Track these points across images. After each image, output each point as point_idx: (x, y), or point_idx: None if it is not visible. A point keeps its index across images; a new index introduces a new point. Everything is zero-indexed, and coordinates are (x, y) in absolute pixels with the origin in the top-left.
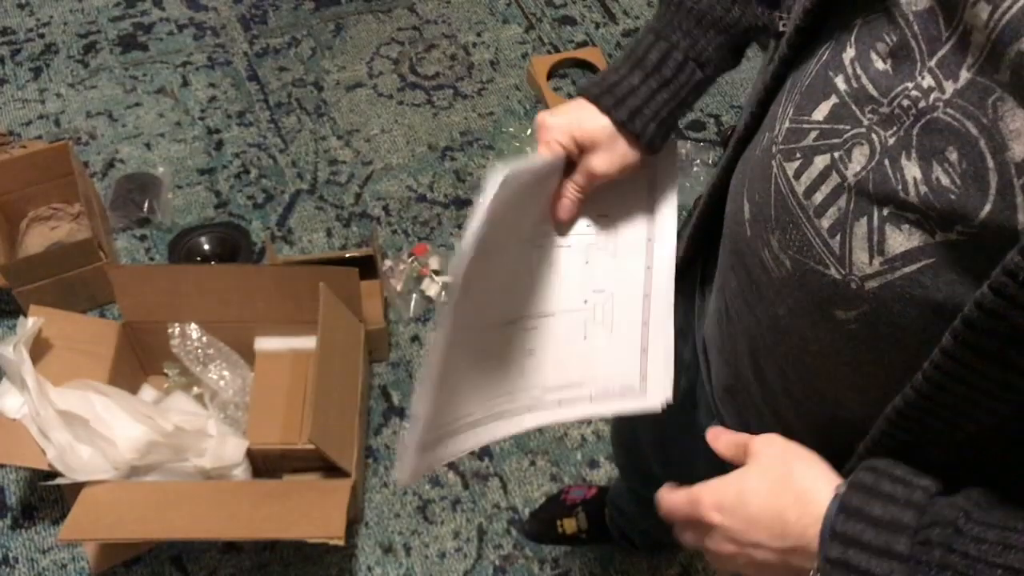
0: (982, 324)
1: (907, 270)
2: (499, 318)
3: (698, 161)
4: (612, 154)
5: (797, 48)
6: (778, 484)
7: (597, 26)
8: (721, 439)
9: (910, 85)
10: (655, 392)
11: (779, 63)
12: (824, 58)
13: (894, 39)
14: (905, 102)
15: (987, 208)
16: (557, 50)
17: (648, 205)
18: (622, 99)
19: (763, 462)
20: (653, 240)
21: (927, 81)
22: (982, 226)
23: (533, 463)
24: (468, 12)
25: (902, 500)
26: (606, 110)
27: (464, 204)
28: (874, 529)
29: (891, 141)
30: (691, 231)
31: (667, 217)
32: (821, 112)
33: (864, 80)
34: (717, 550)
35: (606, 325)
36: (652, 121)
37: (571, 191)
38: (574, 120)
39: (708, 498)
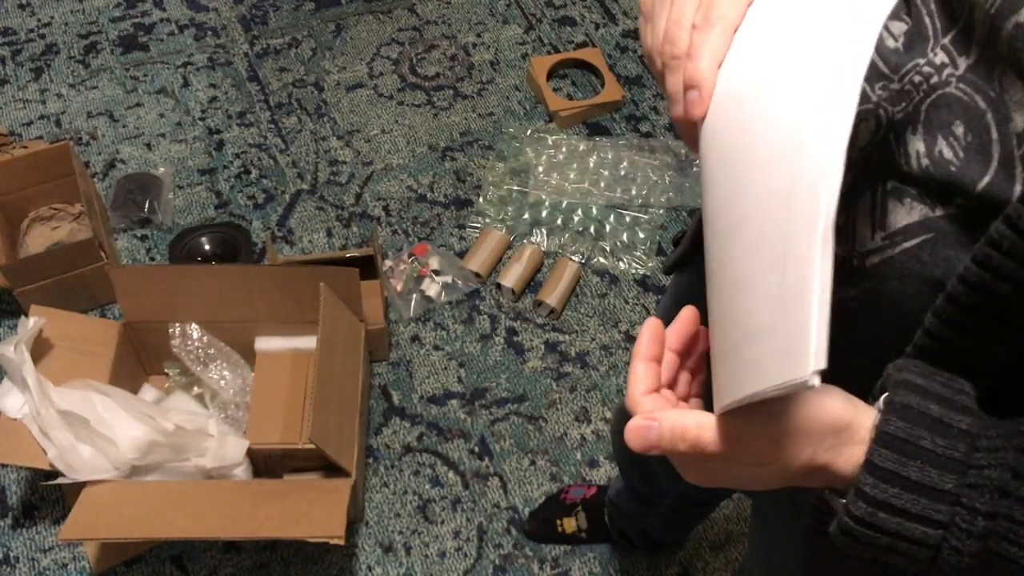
0: (966, 299)
1: (907, 245)
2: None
3: (698, 161)
4: None
5: None
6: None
7: (597, 27)
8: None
9: (922, 61)
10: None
11: None
12: None
13: (910, 20)
14: (916, 78)
15: (986, 179)
16: (557, 51)
17: None
18: None
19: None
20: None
21: (940, 58)
22: (979, 198)
23: (533, 463)
24: (468, 13)
25: (942, 457)
26: None
27: (464, 204)
28: (909, 494)
29: (899, 116)
30: (696, 227)
31: None
32: None
33: (876, 59)
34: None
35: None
36: None
37: None
38: None
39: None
